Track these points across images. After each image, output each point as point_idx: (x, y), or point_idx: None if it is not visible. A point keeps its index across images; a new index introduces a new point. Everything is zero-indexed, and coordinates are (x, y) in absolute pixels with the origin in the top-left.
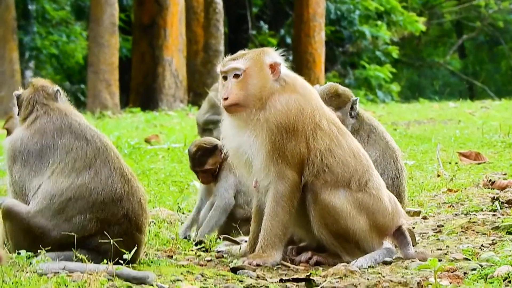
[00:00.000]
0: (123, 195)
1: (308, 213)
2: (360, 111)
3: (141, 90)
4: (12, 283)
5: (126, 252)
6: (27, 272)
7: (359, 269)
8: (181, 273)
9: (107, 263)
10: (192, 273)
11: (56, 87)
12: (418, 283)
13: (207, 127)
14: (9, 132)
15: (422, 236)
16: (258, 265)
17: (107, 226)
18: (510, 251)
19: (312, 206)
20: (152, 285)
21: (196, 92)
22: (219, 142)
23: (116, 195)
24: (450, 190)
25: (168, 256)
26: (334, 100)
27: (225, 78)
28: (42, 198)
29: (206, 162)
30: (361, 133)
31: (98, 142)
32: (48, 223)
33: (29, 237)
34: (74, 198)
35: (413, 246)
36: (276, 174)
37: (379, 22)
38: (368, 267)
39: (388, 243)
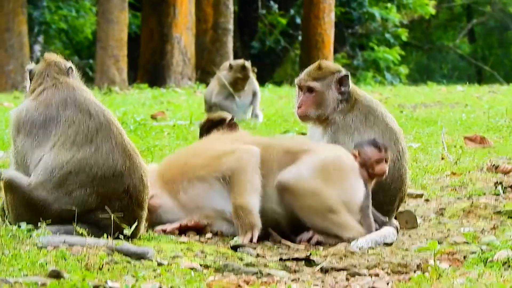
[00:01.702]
0: (124, 170)
1: (293, 210)
2: (355, 91)
3: (149, 67)
4: (12, 256)
5: (126, 227)
6: (26, 245)
7: (360, 250)
8: (181, 250)
9: (107, 238)
10: (192, 250)
11: (69, 64)
12: (417, 265)
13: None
14: None
15: (424, 218)
16: None
17: (107, 201)
18: (510, 235)
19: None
20: (152, 260)
21: (204, 70)
22: (229, 116)
23: (117, 170)
24: (453, 174)
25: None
26: (315, 72)
27: None
28: (43, 170)
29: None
30: (356, 113)
31: (101, 117)
32: (48, 196)
33: (29, 209)
34: (75, 172)
35: (414, 228)
36: None
37: (389, 5)
38: (369, 248)
39: (391, 225)
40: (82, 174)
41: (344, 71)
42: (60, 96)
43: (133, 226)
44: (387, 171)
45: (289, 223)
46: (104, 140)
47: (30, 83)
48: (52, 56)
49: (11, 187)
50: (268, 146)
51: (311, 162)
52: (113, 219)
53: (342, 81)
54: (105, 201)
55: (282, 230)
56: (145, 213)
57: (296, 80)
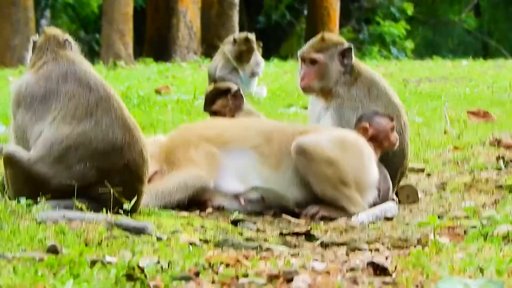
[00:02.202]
0: (124, 144)
1: (305, 175)
2: (358, 64)
3: (155, 41)
4: (10, 231)
5: (126, 202)
6: (26, 220)
7: (360, 224)
8: (181, 224)
9: (107, 212)
10: (192, 225)
11: (67, 36)
12: (418, 239)
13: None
14: None
15: (425, 193)
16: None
17: (107, 175)
18: (511, 210)
19: (308, 166)
20: (151, 235)
21: (210, 44)
22: (235, 87)
23: (117, 144)
24: (456, 148)
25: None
26: (317, 44)
27: None
28: (43, 145)
29: (215, 102)
30: (360, 86)
31: (101, 90)
32: (48, 171)
33: (29, 184)
34: (74, 146)
35: (415, 202)
36: None
37: None
38: (369, 222)
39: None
40: (81, 148)
41: (347, 44)
42: (60, 69)
43: (133, 201)
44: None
45: (295, 202)
46: (104, 114)
47: (32, 54)
48: (52, 30)
49: (11, 161)
50: (282, 129)
51: (332, 134)
52: (113, 193)
53: (345, 54)
54: (105, 176)
55: (287, 208)
56: (145, 187)
57: (299, 53)
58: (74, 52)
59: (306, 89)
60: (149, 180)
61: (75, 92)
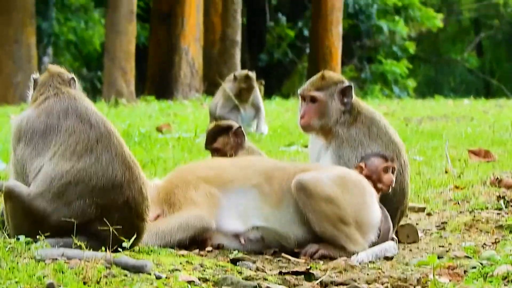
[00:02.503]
0: (124, 181)
1: (305, 212)
2: (358, 103)
3: (156, 79)
4: (9, 269)
5: (125, 240)
6: (24, 258)
7: (360, 264)
8: (180, 263)
9: (106, 250)
10: (191, 263)
11: (71, 75)
12: (417, 279)
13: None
14: None
15: (425, 232)
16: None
17: (107, 212)
18: (511, 250)
19: (308, 203)
20: (150, 274)
21: (212, 82)
22: (236, 125)
23: (116, 181)
24: (456, 187)
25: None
26: (318, 82)
27: None
28: (43, 180)
29: (216, 140)
30: (359, 126)
31: (102, 127)
32: (48, 206)
33: (29, 219)
34: (74, 182)
35: (415, 242)
36: None
37: (396, 17)
38: (369, 262)
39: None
40: (81, 184)
41: (347, 82)
42: (62, 105)
43: (132, 239)
44: (394, 182)
45: (295, 241)
46: (104, 150)
47: (33, 91)
48: (56, 68)
49: (10, 196)
50: (283, 167)
51: (333, 172)
52: (112, 231)
53: (345, 92)
54: (104, 212)
55: (287, 247)
56: (145, 225)
57: (299, 91)
58: (76, 90)
59: (306, 127)
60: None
61: (76, 128)
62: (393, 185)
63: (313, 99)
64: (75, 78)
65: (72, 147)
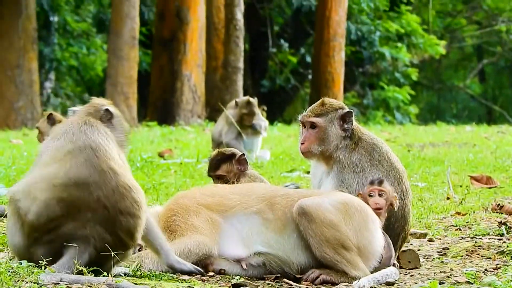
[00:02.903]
0: (90, 182)
1: (306, 237)
2: (359, 129)
3: (159, 104)
4: None
5: (126, 264)
6: (27, 283)
7: None
8: None
9: (107, 274)
10: None
11: (106, 107)
12: None
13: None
14: (40, 132)
15: (427, 258)
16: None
17: (76, 209)
18: None
19: (309, 227)
20: None
21: (214, 108)
22: (239, 153)
23: (80, 180)
24: (458, 213)
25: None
26: (317, 108)
27: None
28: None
29: (220, 168)
30: (361, 151)
31: (84, 145)
32: (21, 205)
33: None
34: (39, 181)
35: (416, 267)
36: None
37: (399, 44)
38: (370, 287)
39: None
40: (45, 181)
41: (347, 108)
42: (65, 129)
43: (134, 265)
44: (382, 205)
45: (298, 266)
46: (73, 157)
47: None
48: (100, 100)
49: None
50: (286, 193)
51: (335, 197)
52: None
53: (345, 118)
54: (72, 209)
55: (289, 273)
56: (139, 220)
57: (300, 117)
58: (103, 121)
59: (306, 153)
60: None
61: (64, 144)
62: (383, 208)
63: (313, 125)
64: (110, 110)
65: (49, 158)
